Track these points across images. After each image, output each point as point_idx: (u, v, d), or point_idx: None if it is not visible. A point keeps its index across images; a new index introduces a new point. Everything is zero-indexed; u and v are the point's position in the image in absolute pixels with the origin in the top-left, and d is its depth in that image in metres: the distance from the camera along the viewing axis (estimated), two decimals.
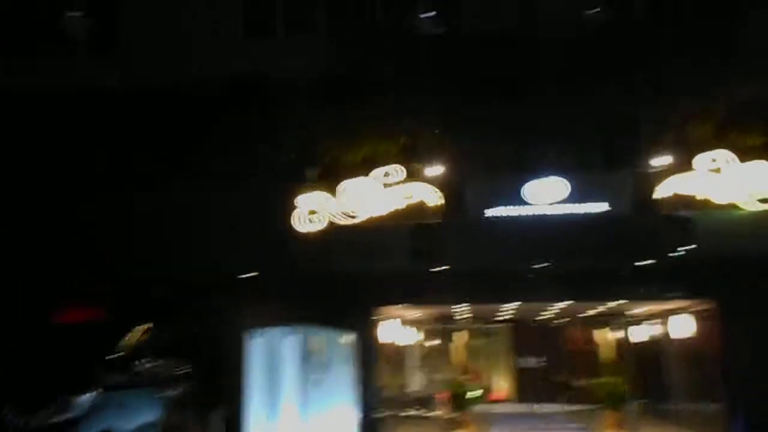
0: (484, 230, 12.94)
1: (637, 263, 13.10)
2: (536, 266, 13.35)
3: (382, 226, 13.11)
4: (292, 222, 13.20)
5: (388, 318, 15.98)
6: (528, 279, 13.97)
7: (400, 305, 14.93)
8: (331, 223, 13.17)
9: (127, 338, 9.22)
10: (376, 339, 14.19)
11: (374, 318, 14.17)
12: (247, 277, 13.70)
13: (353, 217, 13.18)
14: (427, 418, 17.48)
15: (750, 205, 12.38)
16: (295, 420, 7.78)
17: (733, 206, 12.40)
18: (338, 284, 13.36)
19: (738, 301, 13.23)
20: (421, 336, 20.94)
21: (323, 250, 12.89)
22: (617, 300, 14.27)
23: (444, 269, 13.47)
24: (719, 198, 12.43)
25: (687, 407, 15.29)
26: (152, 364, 9.15)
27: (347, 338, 10.94)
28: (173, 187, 13.55)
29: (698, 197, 12.52)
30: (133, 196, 13.59)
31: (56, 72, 14.95)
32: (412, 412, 17.93)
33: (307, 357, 8.23)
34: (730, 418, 12.83)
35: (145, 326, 9.56)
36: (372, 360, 13.91)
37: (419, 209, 13.13)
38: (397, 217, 13.12)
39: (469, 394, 15.55)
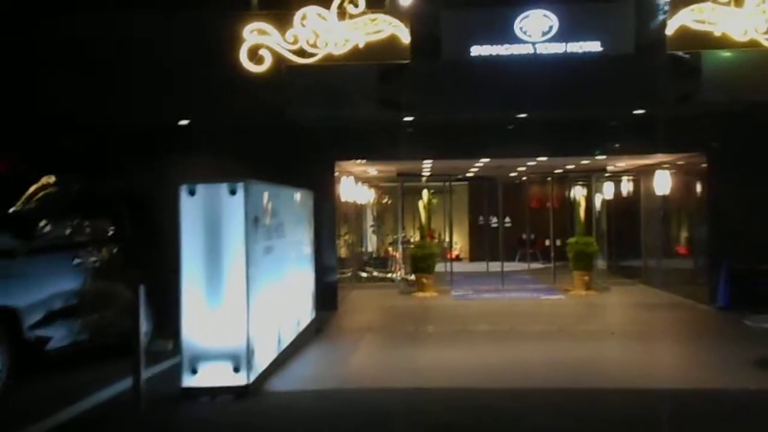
0: (460, 73, 11.16)
1: (629, 112, 11.68)
2: (517, 116, 11.82)
3: (343, 66, 11.21)
4: (236, 61, 11.18)
5: (346, 174, 14.44)
6: (507, 131, 12.50)
7: (360, 160, 13.36)
8: (283, 63, 11.21)
9: (28, 194, 7.40)
10: (334, 197, 12.69)
11: (332, 174, 12.60)
12: (182, 126, 11.86)
13: (309, 55, 11.21)
14: (385, 279, 16.48)
15: None
16: (240, 297, 6.29)
17: (754, 44, 10.87)
18: (291, 134, 11.82)
19: (732, 154, 12.13)
20: (378, 194, 19.64)
21: (273, 94, 11.00)
22: (603, 154, 12.93)
23: (413, 119, 11.84)
24: (737, 33, 10.86)
25: (665, 265, 14.52)
26: (64, 226, 7.41)
27: (302, 197, 9.36)
28: (82, 19, 11.29)
29: (713, 32, 10.92)
30: (38, 24, 11.27)
31: None
32: (374, 273, 16.87)
33: (255, 219, 6.64)
34: (713, 274, 12.01)
35: (51, 178, 7.73)
36: (330, 219, 12.53)
37: (386, 47, 11.22)
38: (360, 56, 11.20)
39: (429, 254, 14.43)
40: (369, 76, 11.22)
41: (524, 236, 19.67)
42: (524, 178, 19.18)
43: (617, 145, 12.53)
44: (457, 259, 23.02)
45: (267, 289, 7.17)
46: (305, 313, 9.44)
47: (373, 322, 11.58)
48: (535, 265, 19.46)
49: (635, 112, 11.66)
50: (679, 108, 11.49)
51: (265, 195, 7.21)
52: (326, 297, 12.02)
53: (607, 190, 17.13)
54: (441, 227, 23.67)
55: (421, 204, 15.08)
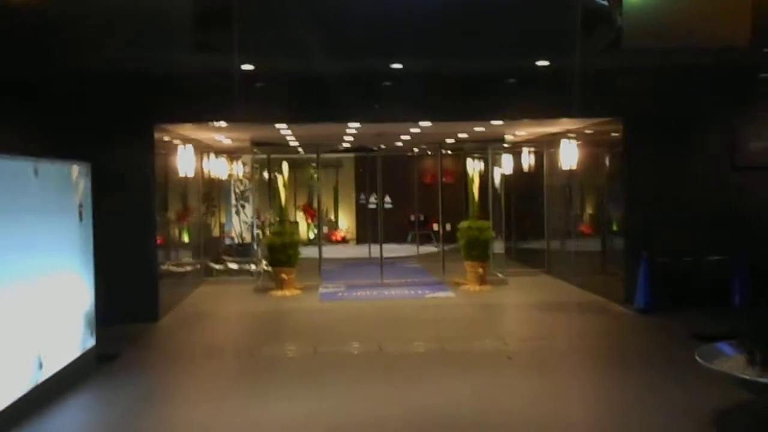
0: (308, 5, 8.24)
1: (531, 63, 9.14)
2: (390, 66, 9.06)
3: None
4: None
5: (184, 141, 11.32)
6: (379, 88, 9.75)
7: (187, 124, 10.28)
8: None
9: None
10: (153, 170, 9.58)
11: (149, 141, 9.48)
12: None
13: None
14: (244, 272, 13.49)
15: None
16: None
17: None
18: (90, 90, 8.85)
19: (654, 121, 9.88)
20: (241, 168, 16.52)
21: (49, 26, 7.76)
22: (499, 118, 10.37)
23: (253, 69, 8.88)
24: None
25: (571, 254, 12.24)
26: None
27: (52, 172, 6.25)
28: None
29: None
30: None
31: None
32: (231, 265, 13.84)
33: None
34: (630, 266, 9.79)
35: None
36: (146, 200, 9.46)
37: None
38: None
39: (289, 243, 11.59)
40: (185, 7, 8.12)
41: (412, 216, 17.09)
42: (415, 150, 16.59)
43: (515, 108, 9.98)
44: (344, 241, 20.48)
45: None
46: (64, 345, 6.38)
47: (196, 342, 8.62)
48: (427, 249, 16.95)
49: (538, 63, 9.13)
50: (592, 60, 9.06)
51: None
52: (141, 303, 9.09)
53: (507, 164, 14.73)
54: (328, 206, 21.25)
55: (280, 180, 12.13)
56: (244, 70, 8.86)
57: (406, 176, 17.15)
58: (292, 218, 12.50)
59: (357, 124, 10.66)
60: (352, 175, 20.43)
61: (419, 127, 11.34)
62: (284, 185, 12.06)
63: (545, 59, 9.00)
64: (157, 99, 9.38)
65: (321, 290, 11.91)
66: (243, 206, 16.18)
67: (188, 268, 11.89)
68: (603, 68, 9.41)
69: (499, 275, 12.50)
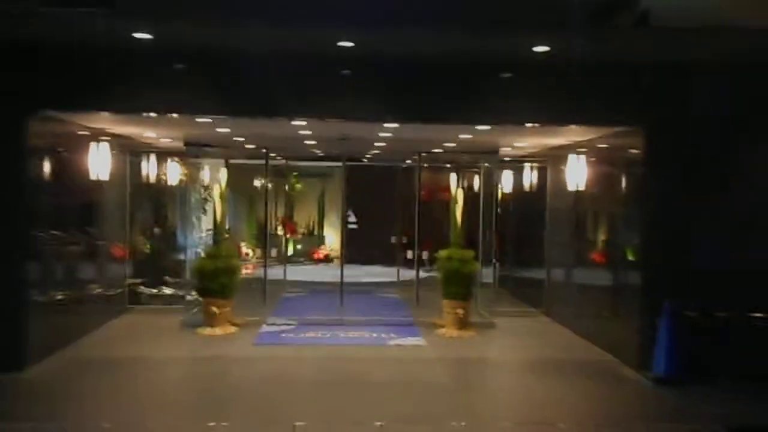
0: None
1: (528, 50, 6.88)
2: (338, 44, 6.82)
3: None
4: None
5: (99, 138, 9.14)
6: (330, 76, 7.55)
7: (65, 113, 8.02)
8: None
9: None
10: (27, 173, 7.38)
11: (20, 136, 7.28)
12: None
13: None
14: (180, 298, 11.19)
15: None
16: None
17: None
18: None
19: (683, 131, 7.61)
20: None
21: None
22: (485, 122, 8.05)
23: (150, 37, 6.69)
24: None
25: (576, 293, 9.91)
26: None
27: None
28: None
29: None
30: None
31: None
32: (165, 290, 11.56)
33: None
34: (647, 318, 7.51)
35: None
36: (21, 210, 7.27)
37: None
38: None
39: (223, 269, 9.35)
40: None
41: (393, 238, 14.76)
42: (408, 162, 14.33)
43: (507, 110, 7.69)
44: (326, 260, 18.27)
45: None
46: None
47: (35, 413, 6.29)
48: (408, 274, 14.61)
49: (536, 49, 6.86)
50: (605, 47, 6.83)
51: None
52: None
53: (502, 181, 12.44)
54: (312, 220, 19.07)
55: (216, 190, 9.90)
56: (141, 40, 6.66)
57: (395, 190, 14.86)
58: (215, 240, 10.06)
59: (303, 123, 8.38)
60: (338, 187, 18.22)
61: (389, 131, 9.06)
62: (221, 196, 9.80)
63: (543, 44, 6.72)
64: (30, 78, 7.19)
65: (263, 328, 9.65)
66: (199, 218, 13.95)
67: (99, 294, 9.65)
68: (621, 60, 7.17)
69: (486, 315, 10.20)
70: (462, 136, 9.39)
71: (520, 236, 12.37)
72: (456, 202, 9.98)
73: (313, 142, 10.80)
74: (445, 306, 9.66)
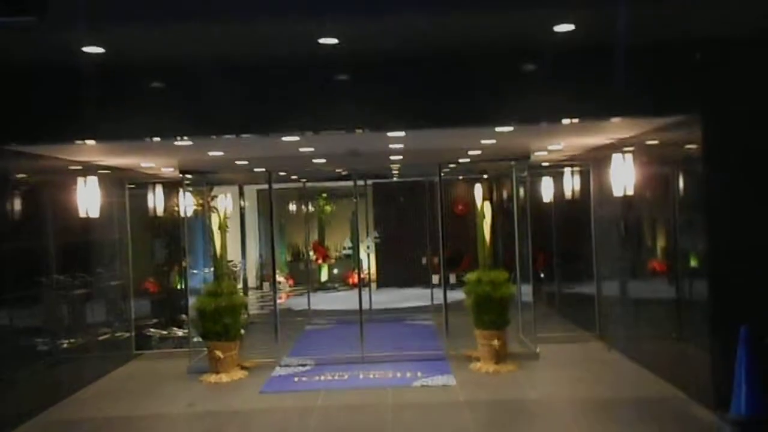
0: None
1: (549, 34, 5.71)
2: (319, 41, 5.76)
3: None
4: None
5: (84, 172, 8.29)
6: (327, 84, 6.52)
7: (30, 146, 7.12)
8: None
9: None
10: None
11: None
12: None
13: None
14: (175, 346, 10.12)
15: None
16: None
17: None
18: None
19: (749, 118, 6.31)
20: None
21: None
22: (506, 123, 6.84)
23: (102, 51, 5.75)
24: None
25: (632, 315, 8.57)
26: None
27: None
28: None
29: None
30: None
31: None
32: (177, 332, 10.57)
33: None
34: (720, 346, 6.19)
35: None
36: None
37: None
38: None
39: (227, 308, 8.32)
40: None
41: (424, 259, 13.60)
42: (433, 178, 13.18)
43: (530, 105, 6.49)
44: (362, 284, 17.18)
45: None
46: None
47: None
48: (452, 296, 13.33)
49: (557, 29, 5.66)
50: (648, 23, 5.62)
51: None
52: None
53: (539, 189, 11.17)
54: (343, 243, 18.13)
55: (215, 219, 8.91)
56: (92, 54, 5.73)
57: (425, 207, 13.68)
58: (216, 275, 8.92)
59: (295, 139, 7.30)
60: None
61: (399, 141, 7.93)
62: (220, 227, 8.81)
63: (567, 21, 5.53)
64: None
65: (275, 371, 8.58)
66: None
67: (98, 342, 8.75)
68: (669, 35, 5.94)
69: (528, 343, 8.94)
70: (484, 142, 8.20)
71: (565, 249, 11.07)
72: (483, 216, 8.74)
73: (322, 161, 9.74)
74: (478, 337, 8.45)
